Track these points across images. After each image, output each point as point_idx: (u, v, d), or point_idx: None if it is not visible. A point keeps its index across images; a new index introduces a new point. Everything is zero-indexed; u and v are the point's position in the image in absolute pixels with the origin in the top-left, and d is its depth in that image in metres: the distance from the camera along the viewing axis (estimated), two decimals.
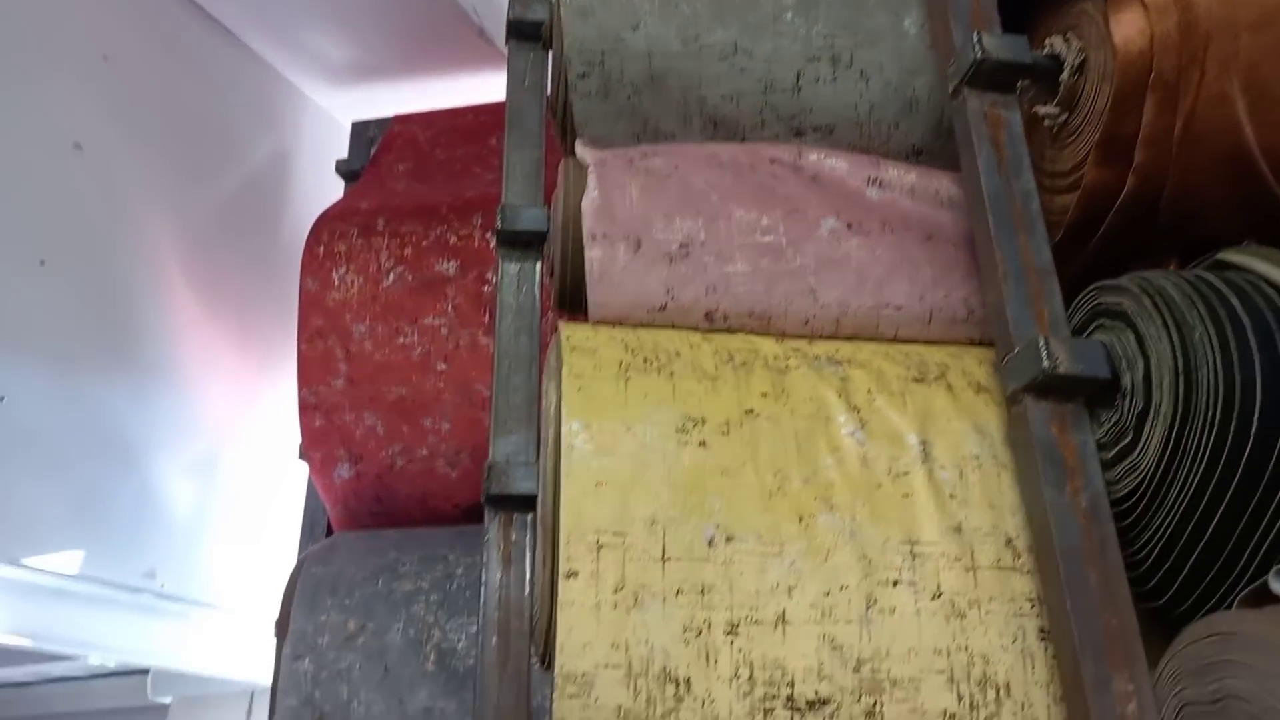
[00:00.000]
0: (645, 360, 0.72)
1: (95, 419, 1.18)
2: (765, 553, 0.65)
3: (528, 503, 0.77)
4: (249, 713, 1.61)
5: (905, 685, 0.62)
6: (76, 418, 1.16)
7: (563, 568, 0.63)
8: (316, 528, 1.36)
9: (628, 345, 0.73)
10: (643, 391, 0.70)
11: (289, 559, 1.30)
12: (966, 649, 0.63)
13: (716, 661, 0.62)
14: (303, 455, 1.31)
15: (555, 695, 0.61)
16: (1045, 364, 0.58)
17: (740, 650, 0.62)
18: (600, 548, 0.64)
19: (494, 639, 0.73)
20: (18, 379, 1.11)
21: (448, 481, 1.26)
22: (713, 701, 0.61)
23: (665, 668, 0.62)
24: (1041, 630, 0.63)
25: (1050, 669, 0.63)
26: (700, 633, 0.63)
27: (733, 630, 0.63)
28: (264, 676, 1.32)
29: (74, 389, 1.17)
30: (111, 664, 1.37)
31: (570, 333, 0.75)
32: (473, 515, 1.27)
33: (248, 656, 1.37)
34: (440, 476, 1.26)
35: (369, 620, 1.11)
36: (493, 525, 0.77)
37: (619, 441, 0.67)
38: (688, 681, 0.62)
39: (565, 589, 0.63)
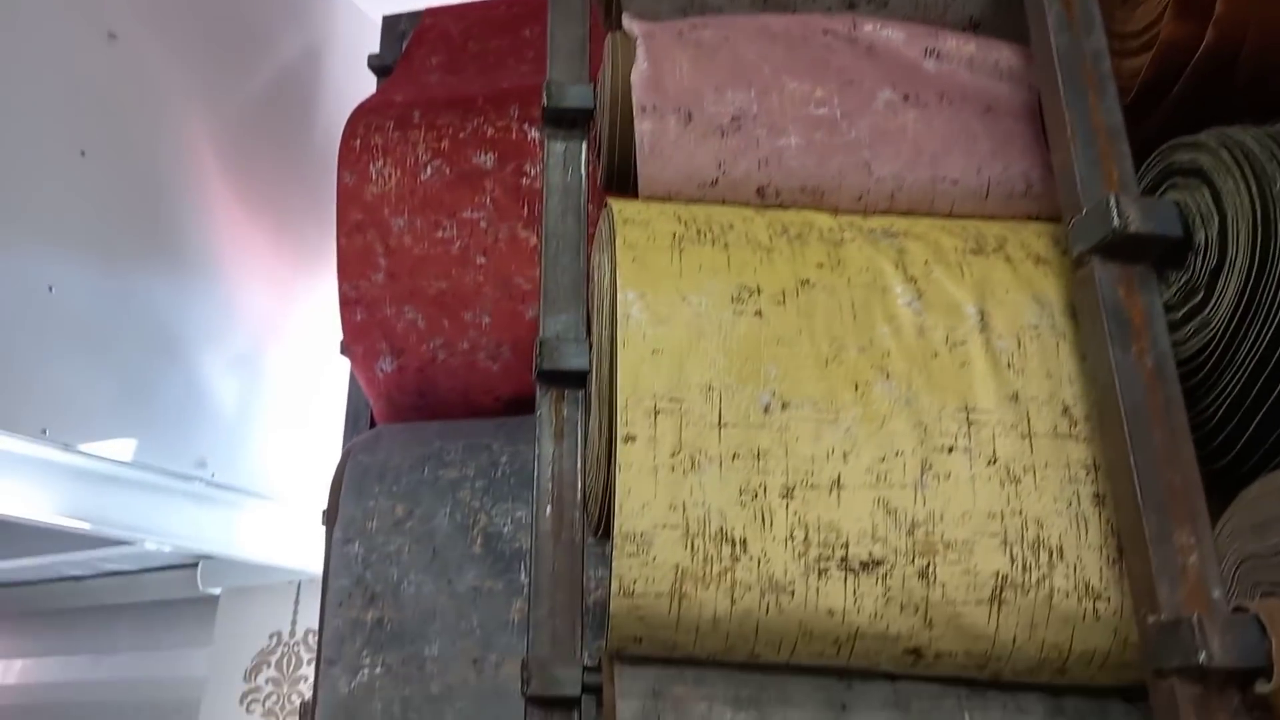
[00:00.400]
0: (699, 232, 0.71)
1: (140, 311, 1.20)
2: (821, 419, 0.65)
3: (578, 379, 0.78)
4: (296, 602, 1.67)
5: (958, 547, 0.63)
6: (122, 309, 1.18)
7: (620, 432, 0.64)
8: (360, 421, 1.38)
9: (680, 218, 0.73)
10: (697, 262, 0.69)
11: (333, 452, 1.33)
12: (1020, 513, 0.64)
13: (772, 523, 0.63)
14: (344, 350, 1.32)
15: (614, 554, 0.62)
16: (1115, 223, 0.57)
17: (795, 513, 0.63)
18: (657, 413, 0.64)
19: (548, 509, 0.75)
20: (65, 270, 1.12)
21: (489, 375, 1.27)
22: (768, 561, 0.62)
23: (722, 528, 0.63)
24: (1096, 496, 0.64)
25: (1103, 533, 0.63)
26: (756, 495, 0.63)
27: (788, 493, 0.63)
28: (311, 566, 1.35)
29: (119, 281, 1.18)
30: (166, 549, 1.41)
31: (621, 206, 0.74)
32: (514, 408, 1.29)
33: (295, 545, 1.41)
34: (481, 370, 1.27)
35: (416, 506, 1.14)
36: (544, 401, 0.78)
37: (675, 310, 0.67)
38: (744, 542, 0.63)
39: (623, 452, 0.63)
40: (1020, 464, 0.64)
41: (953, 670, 0.65)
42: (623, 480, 0.63)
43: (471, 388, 1.30)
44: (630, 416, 0.64)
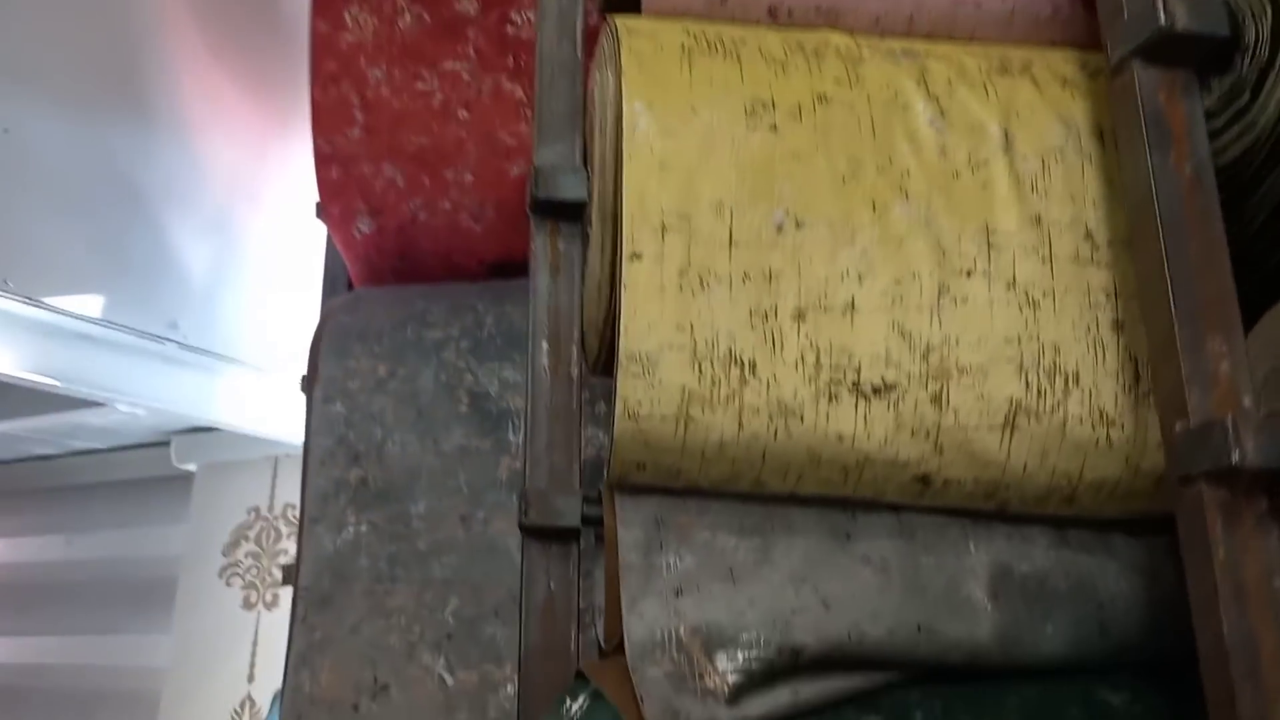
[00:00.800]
0: (709, 44, 0.66)
1: (104, 161, 1.13)
2: (836, 240, 0.62)
3: (575, 210, 0.74)
4: (274, 477, 1.64)
5: (973, 372, 0.61)
6: (85, 158, 1.11)
7: (626, 250, 0.60)
8: (337, 286, 1.34)
9: (689, 31, 0.68)
10: (708, 75, 0.65)
11: (310, 321, 1.28)
12: (1037, 338, 0.62)
13: (783, 346, 0.61)
14: (320, 211, 1.26)
15: (619, 376, 0.60)
16: (1161, 21, 0.54)
17: (807, 335, 0.61)
18: (665, 230, 0.61)
19: (544, 344, 0.72)
20: (21, 111, 1.05)
21: (472, 236, 1.23)
22: (778, 384, 0.60)
23: (731, 350, 0.60)
24: (1115, 322, 0.62)
25: (1121, 360, 0.62)
26: (767, 317, 0.61)
27: (800, 316, 0.61)
28: (288, 438, 1.32)
29: (81, 128, 1.11)
30: (140, 412, 1.38)
31: (624, 20, 0.69)
32: (498, 273, 1.25)
33: (272, 416, 1.37)
34: (464, 231, 1.22)
35: (399, 366, 1.11)
36: (540, 234, 0.74)
37: (684, 123, 0.63)
38: (753, 364, 0.60)
39: (629, 271, 0.60)
40: (1040, 288, 0.62)
41: (960, 500, 0.64)
42: (628, 299, 0.60)
43: (454, 250, 1.25)
44: (636, 234, 0.61)
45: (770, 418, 0.60)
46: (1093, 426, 0.61)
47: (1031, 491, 0.64)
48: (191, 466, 1.73)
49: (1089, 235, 0.63)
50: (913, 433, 0.61)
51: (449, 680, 0.96)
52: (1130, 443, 0.61)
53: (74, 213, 1.09)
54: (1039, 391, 0.61)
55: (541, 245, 0.74)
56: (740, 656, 0.58)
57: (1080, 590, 0.65)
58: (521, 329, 1.09)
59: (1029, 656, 0.64)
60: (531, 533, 0.67)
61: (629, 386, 0.60)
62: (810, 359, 0.61)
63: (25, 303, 1.04)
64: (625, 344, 0.60)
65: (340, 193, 1.23)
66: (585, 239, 0.75)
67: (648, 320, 0.60)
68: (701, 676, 0.57)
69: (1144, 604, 0.65)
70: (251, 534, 1.66)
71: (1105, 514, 0.66)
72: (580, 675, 0.62)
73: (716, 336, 0.60)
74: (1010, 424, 0.61)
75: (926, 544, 0.65)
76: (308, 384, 1.15)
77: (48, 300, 1.06)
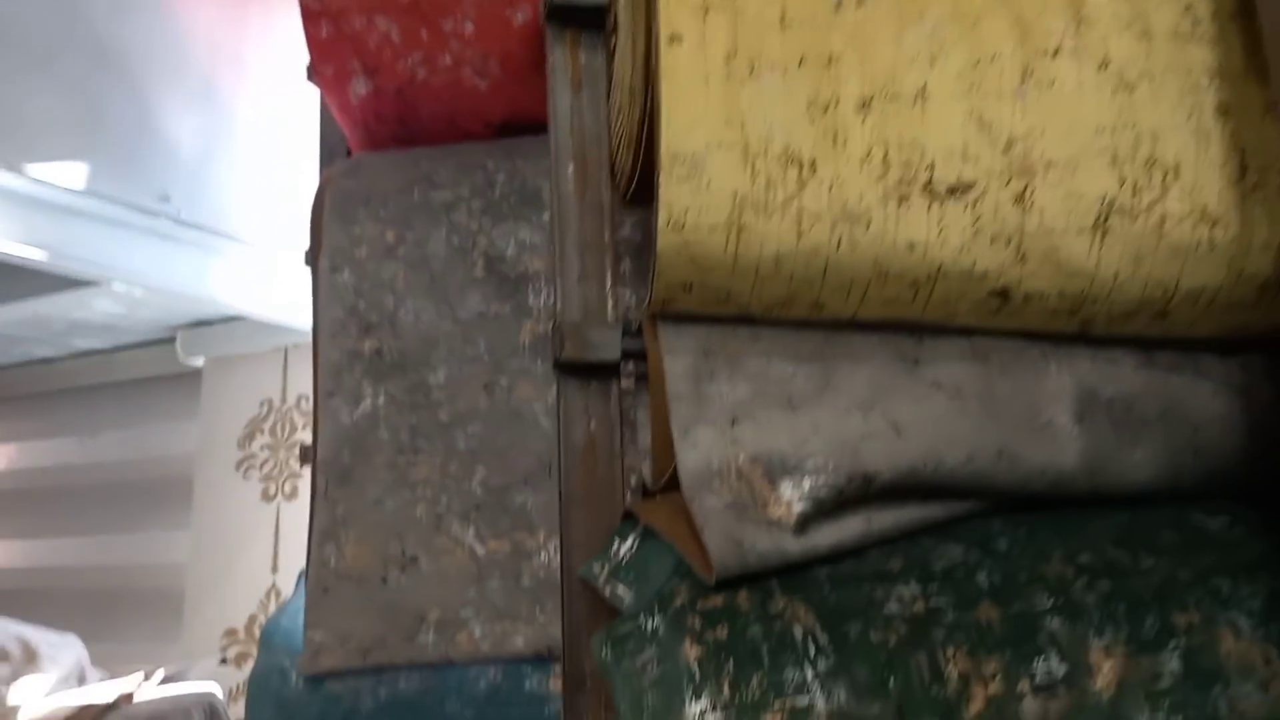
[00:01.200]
0: None
1: (80, 24, 1.04)
2: (903, 17, 0.54)
3: (596, 17, 0.66)
4: (285, 367, 1.59)
5: (1061, 167, 0.54)
6: (56, 18, 1.02)
7: (663, 33, 0.53)
8: (335, 157, 1.26)
9: None
10: None
11: (309, 195, 1.21)
12: (1134, 126, 0.54)
13: (846, 141, 0.53)
14: (312, 76, 1.17)
15: (662, 180, 0.53)
16: None
17: (873, 129, 0.53)
18: (707, 9, 0.53)
19: (569, 168, 0.65)
20: None
21: (477, 95, 1.14)
22: (841, 185, 0.53)
23: (787, 148, 0.53)
24: (1220, 105, 0.54)
25: (1226, 149, 0.54)
26: (827, 109, 0.53)
27: (865, 106, 0.54)
28: (297, 324, 1.25)
29: None
30: (138, 292, 1.31)
31: None
32: (506, 133, 1.16)
33: (277, 295, 1.31)
34: (468, 89, 1.13)
35: (408, 230, 1.04)
36: (558, 46, 0.66)
37: None
38: (813, 163, 0.53)
39: (668, 56, 0.52)
40: (1135, 69, 0.55)
41: (1040, 318, 0.58)
42: (668, 90, 0.52)
43: (458, 111, 1.17)
44: (674, 14, 0.53)
45: (833, 224, 0.54)
46: (1193, 226, 0.54)
47: (1121, 305, 0.57)
48: (198, 361, 1.68)
49: (1189, 7, 0.55)
50: (992, 238, 0.55)
51: (479, 550, 0.92)
52: (1235, 243, 0.55)
53: (49, 75, 1.01)
54: (1135, 187, 0.54)
55: (560, 59, 0.66)
56: (806, 484, 0.52)
57: (1172, 413, 0.59)
58: (536, 187, 1.01)
59: (1116, 483, 0.58)
60: (567, 369, 0.61)
61: (673, 192, 0.53)
62: (878, 155, 0.53)
63: (5, 170, 0.96)
64: (667, 143, 0.52)
65: (332, 52, 1.14)
66: (609, 52, 0.67)
67: (692, 114, 0.53)
68: (765, 506, 0.52)
69: (1241, 427, 0.60)
70: (266, 426, 1.62)
71: (1199, 331, 0.59)
72: (628, 516, 0.57)
73: (771, 131, 0.53)
74: (1102, 226, 0.55)
75: (1003, 367, 0.59)
76: (311, 255, 1.09)
77: (29, 169, 0.99)
